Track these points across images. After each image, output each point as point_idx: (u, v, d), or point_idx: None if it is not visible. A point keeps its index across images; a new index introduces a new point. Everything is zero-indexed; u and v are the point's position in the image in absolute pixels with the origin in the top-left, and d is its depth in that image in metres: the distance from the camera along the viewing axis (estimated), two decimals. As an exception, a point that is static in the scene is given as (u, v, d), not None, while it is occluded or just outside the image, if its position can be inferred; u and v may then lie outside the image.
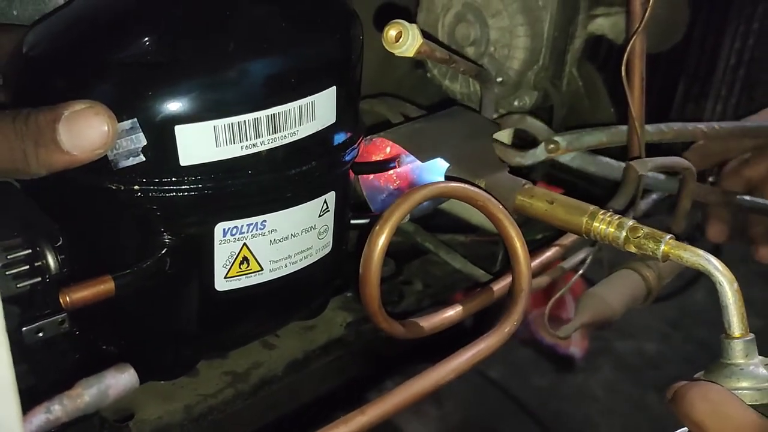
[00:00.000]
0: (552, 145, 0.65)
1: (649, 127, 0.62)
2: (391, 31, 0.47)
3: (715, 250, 0.89)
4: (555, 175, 0.85)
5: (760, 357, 0.43)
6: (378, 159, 0.61)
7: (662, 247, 0.45)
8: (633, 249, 0.47)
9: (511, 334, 0.47)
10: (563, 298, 0.91)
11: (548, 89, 0.73)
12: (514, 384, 1.61)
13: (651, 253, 0.45)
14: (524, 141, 0.73)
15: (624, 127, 0.64)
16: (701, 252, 0.44)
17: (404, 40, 0.47)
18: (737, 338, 0.43)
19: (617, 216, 0.48)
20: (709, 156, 0.73)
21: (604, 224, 0.48)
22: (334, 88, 0.50)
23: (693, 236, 0.75)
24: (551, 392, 1.64)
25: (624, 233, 0.47)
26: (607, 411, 1.63)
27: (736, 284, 0.43)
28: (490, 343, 0.46)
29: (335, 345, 0.62)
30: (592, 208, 0.49)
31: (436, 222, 0.75)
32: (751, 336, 0.43)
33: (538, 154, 0.66)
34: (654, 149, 0.65)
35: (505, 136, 0.72)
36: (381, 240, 0.46)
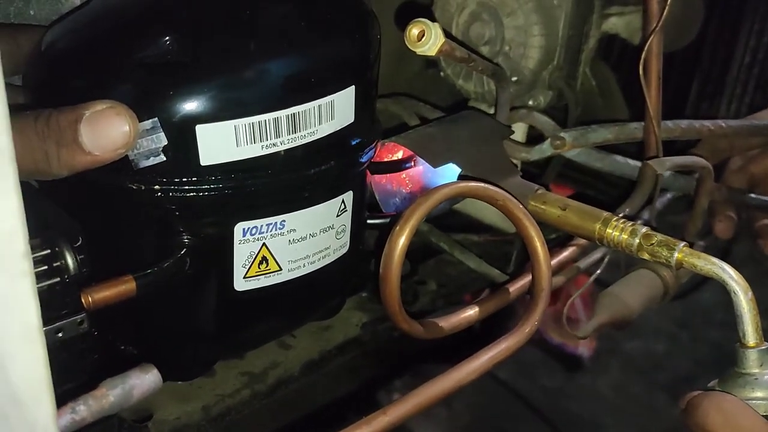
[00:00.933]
0: (558, 141, 0.64)
1: (655, 124, 0.61)
2: (414, 30, 0.47)
3: (725, 251, 0.89)
4: (569, 175, 0.85)
5: None
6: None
7: (676, 254, 0.45)
8: (647, 256, 0.46)
9: (531, 333, 0.47)
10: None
11: (563, 88, 0.72)
12: (523, 384, 1.60)
13: (665, 261, 0.45)
14: (532, 137, 0.73)
15: (631, 124, 0.63)
16: (715, 260, 0.44)
17: (427, 38, 0.46)
18: (752, 348, 0.42)
19: (630, 223, 0.48)
20: (716, 152, 0.73)
21: (618, 231, 0.48)
22: (353, 87, 0.50)
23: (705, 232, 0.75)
24: (560, 393, 1.64)
25: (637, 240, 0.47)
26: (616, 411, 1.62)
27: (750, 293, 0.43)
28: (511, 343, 0.46)
29: (351, 345, 0.62)
30: (605, 214, 0.49)
31: (448, 222, 0.75)
32: (766, 345, 0.43)
33: (544, 149, 0.66)
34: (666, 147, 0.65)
35: (519, 132, 0.71)
36: (401, 240, 0.46)
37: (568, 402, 1.64)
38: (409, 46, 0.47)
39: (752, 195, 0.71)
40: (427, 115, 0.71)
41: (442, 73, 0.77)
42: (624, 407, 1.63)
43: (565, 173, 0.84)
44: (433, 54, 0.47)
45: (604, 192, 0.87)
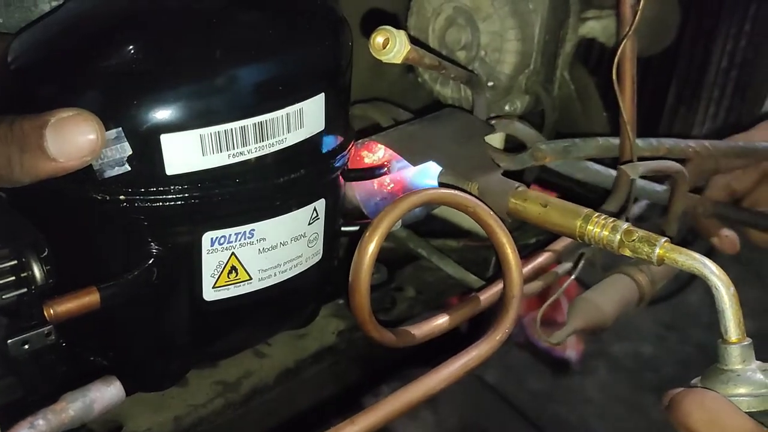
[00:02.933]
0: (539, 153, 0.64)
1: (639, 141, 0.61)
2: (378, 38, 0.46)
3: (710, 251, 0.89)
4: (549, 180, 0.85)
5: (758, 362, 0.42)
6: (368, 164, 0.60)
7: (657, 250, 0.45)
8: (628, 252, 0.46)
9: (502, 341, 0.47)
10: (558, 301, 0.90)
11: (539, 93, 0.72)
12: (510, 387, 1.60)
13: (646, 257, 0.45)
14: (515, 144, 0.72)
15: (612, 140, 0.63)
16: (697, 255, 0.44)
17: (391, 46, 0.46)
18: (734, 343, 0.42)
19: (612, 219, 0.48)
20: (702, 173, 0.73)
21: (599, 227, 0.48)
22: (323, 94, 0.49)
23: (686, 240, 0.75)
24: (547, 395, 1.64)
25: (618, 236, 0.47)
26: (603, 413, 1.62)
27: (732, 288, 0.43)
28: (481, 351, 0.46)
29: (327, 353, 0.62)
30: (586, 211, 0.49)
31: (428, 227, 0.75)
32: (749, 341, 0.42)
33: (525, 159, 0.66)
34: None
35: (497, 140, 0.71)
36: (370, 248, 0.46)
37: (555, 405, 1.64)
38: (374, 55, 0.47)
39: (734, 208, 0.71)
40: (405, 120, 0.70)
41: (419, 79, 0.77)
42: (611, 409, 1.63)
43: (543, 177, 0.84)
44: (399, 62, 0.47)
45: (583, 196, 0.87)
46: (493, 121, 0.70)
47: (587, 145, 0.64)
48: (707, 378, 0.43)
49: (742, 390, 0.42)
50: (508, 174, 0.58)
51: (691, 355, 1.71)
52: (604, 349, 1.75)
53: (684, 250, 0.44)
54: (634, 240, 0.46)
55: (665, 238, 0.45)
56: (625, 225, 0.47)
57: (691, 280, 1.05)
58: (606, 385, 1.67)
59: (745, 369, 0.42)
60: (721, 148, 0.66)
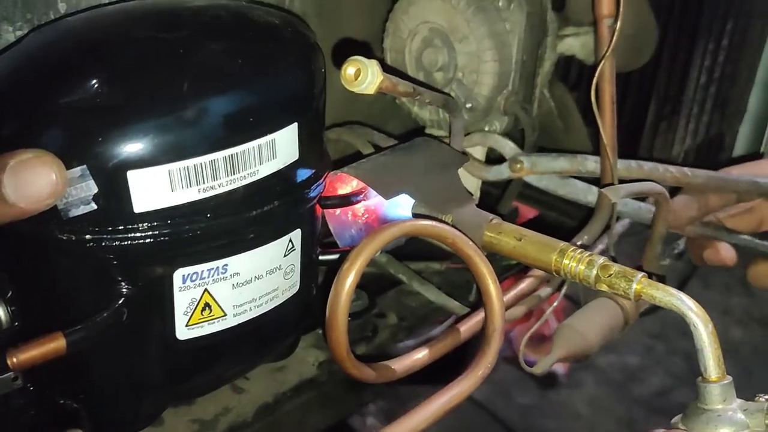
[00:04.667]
0: (517, 165, 0.64)
1: (619, 164, 0.60)
2: (349, 69, 0.45)
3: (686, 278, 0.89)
4: (531, 196, 0.84)
5: (739, 400, 0.41)
6: (344, 192, 0.59)
7: (634, 285, 0.44)
8: (605, 288, 0.45)
9: (485, 377, 0.45)
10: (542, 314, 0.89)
11: (518, 114, 0.71)
12: (498, 402, 1.59)
13: (623, 293, 0.44)
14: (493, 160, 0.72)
15: (590, 158, 0.62)
16: (674, 291, 0.43)
17: (363, 77, 0.45)
18: (714, 382, 0.41)
19: (588, 253, 0.47)
20: (690, 215, 0.71)
21: (575, 261, 0.47)
22: (296, 124, 0.48)
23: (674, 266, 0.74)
24: (535, 410, 1.63)
25: (595, 271, 0.46)
26: (592, 427, 1.62)
27: (711, 325, 0.41)
28: (463, 388, 0.45)
29: (307, 386, 0.60)
30: (561, 245, 0.48)
31: (411, 247, 0.74)
32: (729, 379, 0.41)
33: (503, 170, 0.65)
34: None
35: (479, 152, 0.70)
36: (347, 282, 0.44)
37: (543, 419, 1.63)
38: (346, 86, 0.46)
39: (727, 232, 0.70)
40: (381, 143, 0.69)
41: (397, 101, 0.76)
42: (599, 422, 1.62)
43: (527, 194, 0.83)
44: (372, 92, 0.46)
45: (567, 213, 0.86)
46: (471, 133, 0.69)
47: (565, 159, 0.63)
48: (688, 417, 0.42)
49: (723, 430, 0.41)
50: (489, 198, 0.57)
51: (678, 365, 1.70)
52: (591, 362, 1.74)
53: (661, 285, 0.44)
54: (610, 275, 0.45)
55: (642, 274, 0.44)
56: (601, 260, 0.46)
57: (679, 288, 1.04)
58: (594, 399, 1.66)
59: (725, 409, 0.41)
60: (703, 178, 0.65)
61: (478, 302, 0.58)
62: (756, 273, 0.70)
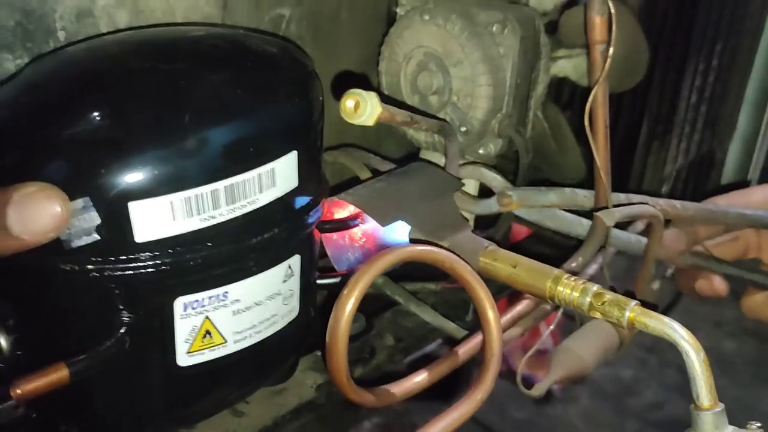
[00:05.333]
0: (505, 199, 0.64)
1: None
2: (348, 102, 0.46)
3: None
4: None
5: (732, 427, 0.42)
6: (341, 216, 0.59)
7: (627, 314, 0.45)
8: (598, 315, 0.46)
9: (483, 401, 0.46)
10: (537, 327, 0.89)
11: (512, 136, 0.72)
12: (494, 417, 1.59)
13: (616, 321, 0.45)
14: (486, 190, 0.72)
15: (581, 193, 0.63)
16: (666, 320, 0.44)
17: (363, 110, 0.46)
18: (707, 410, 0.42)
19: (581, 281, 0.47)
20: (680, 248, 0.72)
21: (569, 288, 0.48)
22: (295, 152, 0.49)
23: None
24: (530, 424, 1.63)
25: (588, 299, 0.46)
26: (587, 441, 1.62)
27: (703, 354, 0.42)
28: (462, 412, 0.45)
29: (306, 408, 0.61)
30: (556, 272, 0.49)
31: (407, 267, 0.74)
32: (721, 407, 0.42)
33: (491, 205, 0.66)
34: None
35: (470, 187, 0.71)
36: (347, 309, 0.45)
37: (539, 434, 1.63)
38: (345, 118, 0.46)
39: (716, 262, 0.70)
40: (377, 166, 0.70)
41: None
42: (595, 436, 1.63)
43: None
44: (371, 124, 0.46)
45: (562, 233, 0.87)
46: (462, 167, 0.70)
47: (554, 193, 0.64)
48: None
49: None
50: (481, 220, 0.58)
51: (672, 378, 1.71)
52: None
53: (654, 314, 0.44)
54: (604, 303, 0.46)
55: (635, 302, 0.45)
56: (595, 287, 0.47)
57: (670, 303, 1.05)
58: (589, 412, 1.66)
59: None
60: (691, 209, 0.66)
61: (475, 323, 0.59)
62: (750, 304, 0.71)
